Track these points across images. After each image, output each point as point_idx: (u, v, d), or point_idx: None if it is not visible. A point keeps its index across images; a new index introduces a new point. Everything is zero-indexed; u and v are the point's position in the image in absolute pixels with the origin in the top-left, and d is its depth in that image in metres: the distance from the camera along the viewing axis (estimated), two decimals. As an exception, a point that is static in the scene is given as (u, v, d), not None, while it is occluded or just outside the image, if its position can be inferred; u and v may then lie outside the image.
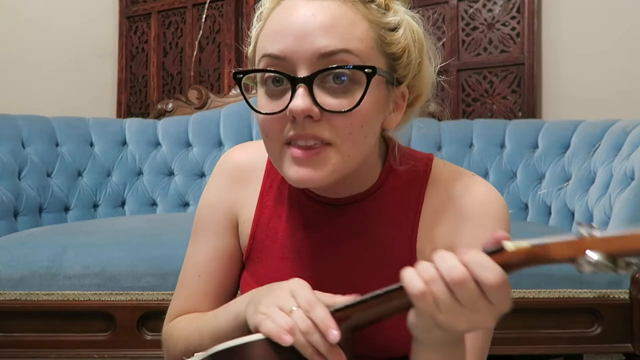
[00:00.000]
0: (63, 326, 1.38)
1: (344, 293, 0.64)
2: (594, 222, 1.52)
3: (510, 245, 0.46)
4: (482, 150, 2.02)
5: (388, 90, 0.63)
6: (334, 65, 0.58)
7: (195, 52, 2.63)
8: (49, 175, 1.94)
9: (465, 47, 2.29)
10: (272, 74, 0.60)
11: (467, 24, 2.28)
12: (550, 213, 1.81)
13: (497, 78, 2.24)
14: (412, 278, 0.47)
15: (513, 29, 2.22)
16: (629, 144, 1.51)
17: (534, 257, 0.45)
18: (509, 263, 0.46)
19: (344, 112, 0.58)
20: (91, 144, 2.09)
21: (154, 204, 2.12)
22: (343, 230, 0.69)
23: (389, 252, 0.68)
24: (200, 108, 2.34)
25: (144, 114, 2.66)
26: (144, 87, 2.77)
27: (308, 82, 0.58)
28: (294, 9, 0.60)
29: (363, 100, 0.58)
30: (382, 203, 0.70)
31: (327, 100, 0.58)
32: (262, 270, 0.73)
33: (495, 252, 0.46)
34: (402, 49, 0.62)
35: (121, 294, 1.36)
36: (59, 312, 1.37)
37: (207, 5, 2.59)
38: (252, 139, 2.13)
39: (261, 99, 0.62)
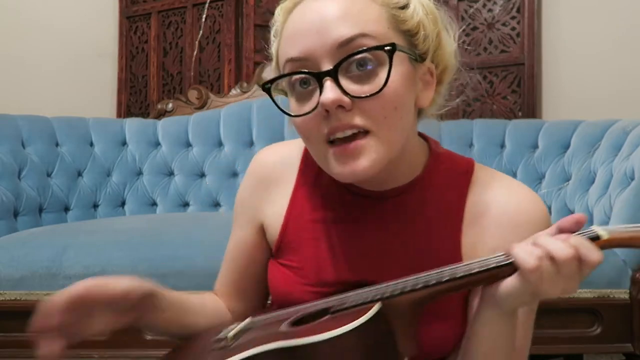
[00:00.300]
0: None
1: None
2: (594, 223, 1.52)
3: (601, 231, 0.56)
4: (482, 150, 2.02)
5: (413, 67, 0.63)
6: (354, 51, 0.58)
7: (195, 52, 2.63)
8: (49, 175, 1.94)
9: (466, 47, 2.29)
10: (297, 76, 0.61)
11: (468, 24, 2.28)
12: (550, 213, 1.81)
13: (497, 78, 2.24)
14: (526, 255, 0.54)
15: (513, 28, 2.22)
16: (629, 144, 1.51)
17: (630, 241, 0.56)
18: (605, 245, 0.56)
19: (374, 94, 0.58)
20: (91, 144, 2.09)
21: (154, 204, 2.12)
22: (383, 223, 0.69)
23: (431, 247, 0.68)
24: (200, 108, 2.34)
25: (144, 114, 2.66)
26: (144, 87, 2.77)
27: (333, 73, 0.58)
28: (304, 12, 0.62)
29: (390, 80, 0.59)
30: (424, 197, 0.69)
31: (355, 88, 0.59)
32: (295, 259, 0.73)
33: (594, 238, 0.56)
34: (417, 24, 0.63)
35: (121, 294, 1.36)
36: (59, 312, 1.37)
37: (207, 5, 2.59)
38: (252, 139, 2.13)
39: (293, 106, 0.63)
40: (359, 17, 0.60)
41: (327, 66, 0.59)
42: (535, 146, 1.95)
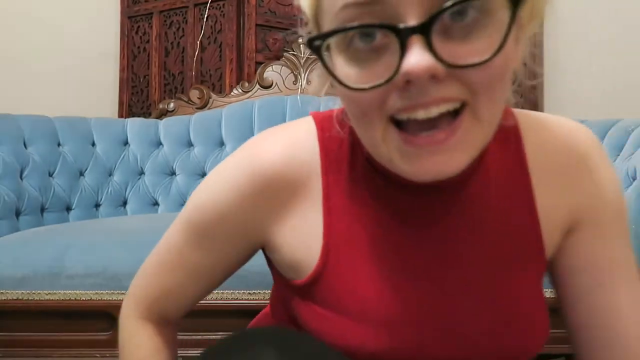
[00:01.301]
0: (65, 326, 1.38)
1: (465, 300, 0.53)
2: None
3: None
4: (483, 150, 2.01)
5: (515, 16, 0.41)
6: None
7: (196, 52, 2.63)
8: (50, 175, 1.95)
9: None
10: (365, 30, 0.41)
11: (469, 24, 2.28)
12: (551, 213, 1.81)
13: (498, 78, 2.24)
14: None
15: (514, 28, 2.21)
16: (631, 144, 1.50)
17: None
18: None
19: (483, 63, 0.40)
20: (93, 144, 2.09)
21: (156, 203, 2.12)
22: (449, 221, 0.53)
23: (509, 233, 0.54)
24: (202, 108, 2.35)
25: (146, 114, 2.66)
26: (145, 87, 2.77)
27: (424, 29, 0.39)
28: None
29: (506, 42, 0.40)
30: (485, 174, 0.54)
31: (452, 49, 0.40)
32: (350, 299, 0.53)
33: None
34: None
35: (123, 293, 1.36)
36: (61, 311, 1.37)
37: (208, 5, 2.59)
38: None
39: (344, 69, 0.44)
40: None
41: (413, 18, 0.40)
42: (537, 146, 1.94)
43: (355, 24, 0.41)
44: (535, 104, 2.16)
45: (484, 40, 0.40)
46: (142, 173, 2.13)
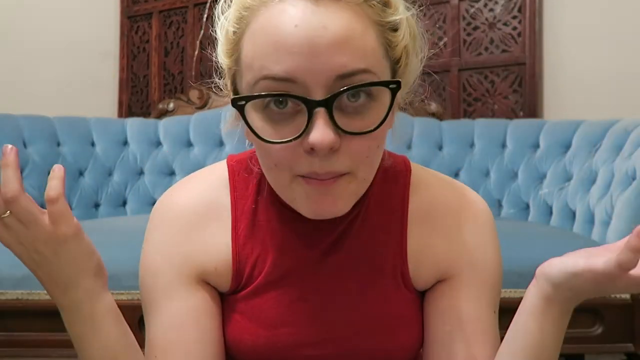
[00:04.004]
0: (64, 326, 1.38)
1: (338, 309, 0.64)
2: (595, 223, 1.52)
3: None
4: (483, 150, 2.02)
5: (393, 102, 0.55)
6: (359, 84, 0.51)
7: (196, 52, 2.63)
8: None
9: (467, 47, 2.29)
10: (283, 98, 0.52)
11: (469, 24, 2.28)
12: (551, 213, 1.81)
13: (498, 78, 2.24)
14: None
15: (514, 28, 2.21)
16: (631, 144, 1.51)
17: None
18: None
19: (367, 132, 0.52)
20: (92, 144, 2.09)
21: (155, 203, 2.12)
22: (332, 244, 0.64)
23: (381, 259, 0.65)
24: (202, 108, 2.35)
25: (145, 114, 2.66)
26: (145, 87, 2.77)
27: (328, 105, 0.51)
28: (292, 16, 0.51)
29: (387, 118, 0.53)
30: (369, 207, 0.65)
31: (348, 122, 0.52)
32: (256, 303, 0.65)
33: None
34: (402, 49, 0.56)
35: (122, 293, 1.36)
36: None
37: (208, 5, 2.59)
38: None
39: (260, 124, 0.54)
40: (360, 44, 0.51)
41: (318, 94, 0.51)
42: (537, 146, 1.94)
43: (280, 92, 0.51)
44: (535, 104, 2.16)
45: (371, 116, 0.53)
46: (141, 173, 2.13)
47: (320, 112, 0.51)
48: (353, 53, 0.51)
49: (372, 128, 0.52)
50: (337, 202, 0.55)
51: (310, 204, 0.55)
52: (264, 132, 0.53)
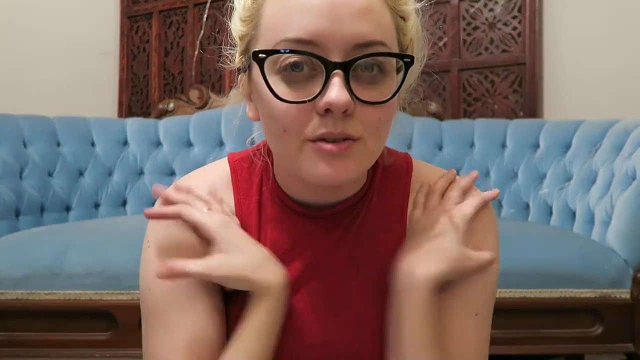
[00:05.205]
0: (64, 325, 1.38)
1: (341, 309, 0.64)
2: (595, 223, 1.52)
3: None
4: (483, 150, 2.01)
5: (404, 78, 0.58)
6: (373, 52, 0.53)
7: (196, 52, 2.63)
8: (50, 175, 1.94)
9: (467, 47, 2.29)
10: (294, 58, 0.53)
11: (469, 24, 2.28)
12: (551, 213, 1.81)
13: (498, 78, 2.24)
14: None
15: (514, 28, 2.21)
16: (631, 144, 1.50)
17: None
18: None
19: (381, 102, 0.54)
20: (92, 144, 2.09)
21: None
22: (333, 244, 0.65)
23: (383, 258, 0.65)
24: (202, 108, 2.35)
25: (145, 114, 2.66)
26: (145, 87, 2.77)
27: (345, 69, 0.52)
28: None
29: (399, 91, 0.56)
30: (371, 205, 0.66)
31: (362, 91, 0.53)
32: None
33: None
34: (409, 41, 0.60)
35: (122, 293, 1.36)
36: (60, 311, 1.37)
37: (208, 5, 2.59)
38: (253, 139, 2.13)
39: (277, 87, 0.54)
40: (379, 18, 0.54)
41: (337, 58, 0.52)
42: (537, 146, 1.94)
43: (304, 49, 0.52)
44: (535, 104, 2.16)
45: (382, 89, 0.55)
46: (141, 173, 2.13)
47: (338, 74, 0.52)
48: (373, 25, 0.53)
49: (384, 99, 0.54)
50: (349, 166, 0.54)
51: (322, 168, 0.54)
52: (279, 92, 0.54)
